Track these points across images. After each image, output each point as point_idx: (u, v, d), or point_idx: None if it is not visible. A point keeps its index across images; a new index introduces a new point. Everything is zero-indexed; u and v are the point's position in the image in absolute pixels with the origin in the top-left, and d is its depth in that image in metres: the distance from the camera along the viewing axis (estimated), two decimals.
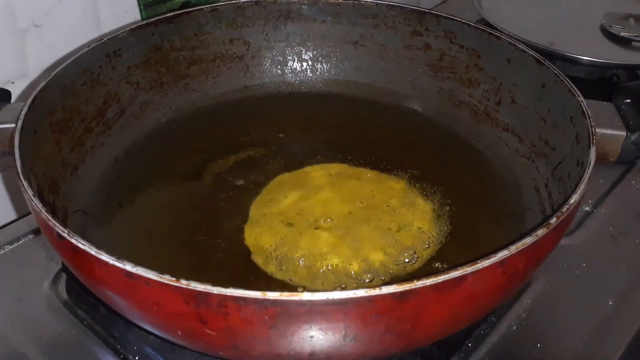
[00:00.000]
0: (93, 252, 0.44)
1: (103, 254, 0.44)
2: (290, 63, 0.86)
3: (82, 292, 0.65)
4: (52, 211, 0.58)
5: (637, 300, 0.67)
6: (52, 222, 0.46)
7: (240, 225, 0.66)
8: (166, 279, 0.42)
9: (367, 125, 0.81)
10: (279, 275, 0.61)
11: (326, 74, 0.86)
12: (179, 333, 0.46)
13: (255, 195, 0.70)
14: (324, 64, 0.86)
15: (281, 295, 0.40)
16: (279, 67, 0.86)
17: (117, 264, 0.43)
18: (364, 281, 0.60)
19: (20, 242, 0.73)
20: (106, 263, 0.43)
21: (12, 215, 0.85)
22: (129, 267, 0.43)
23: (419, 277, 0.41)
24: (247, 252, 0.64)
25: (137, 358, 0.60)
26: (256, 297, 0.41)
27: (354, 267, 0.61)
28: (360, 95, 0.85)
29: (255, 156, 0.76)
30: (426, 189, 0.71)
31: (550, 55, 1.02)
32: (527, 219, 0.65)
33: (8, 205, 0.85)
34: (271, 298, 0.41)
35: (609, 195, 0.81)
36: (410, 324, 0.44)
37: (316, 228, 0.65)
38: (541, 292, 0.67)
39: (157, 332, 0.51)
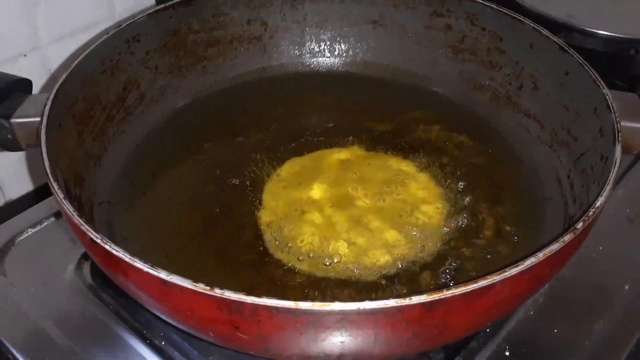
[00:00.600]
0: (127, 259, 0.45)
1: (137, 261, 0.44)
2: (308, 44, 0.85)
3: (107, 277, 0.66)
4: (79, 206, 0.59)
5: None
6: (85, 228, 0.47)
7: (254, 211, 0.67)
8: (200, 287, 0.42)
9: (385, 108, 0.81)
10: (289, 260, 0.62)
11: (344, 55, 0.86)
12: (211, 335, 0.48)
13: (268, 179, 0.71)
14: (342, 45, 0.85)
15: (313, 305, 0.41)
16: (297, 47, 0.85)
17: (152, 271, 0.44)
18: (378, 272, 0.61)
19: (43, 225, 0.74)
20: (140, 270, 0.44)
21: (29, 187, 0.87)
22: (163, 275, 0.43)
23: (448, 287, 0.42)
24: (260, 238, 0.65)
25: (163, 343, 0.61)
26: (289, 307, 0.41)
27: (370, 255, 0.62)
28: (379, 76, 0.85)
29: (267, 140, 0.76)
30: (446, 174, 0.71)
31: (568, 28, 1.01)
32: (547, 210, 0.66)
33: (25, 177, 0.86)
34: (303, 308, 0.41)
35: (625, 176, 0.80)
36: (438, 330, 0.45)
37: (327, 214, 0.66)
38: (558, 277, 0.66)
39: (188, 332, 0.52)
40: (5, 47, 0.76)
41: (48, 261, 0.70)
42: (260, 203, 0.68)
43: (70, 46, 0.83)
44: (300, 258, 0.62)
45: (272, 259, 0.63)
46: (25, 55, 0.79)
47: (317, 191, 0.69)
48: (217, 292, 0.42)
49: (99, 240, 0.46)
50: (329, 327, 0.43)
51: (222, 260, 0.62)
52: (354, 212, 0.66)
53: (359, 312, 0.42)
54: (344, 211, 0.66)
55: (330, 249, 0.63)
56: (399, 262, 0.62)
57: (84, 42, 0.84)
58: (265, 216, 0.66)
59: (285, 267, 0.62)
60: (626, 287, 0.67)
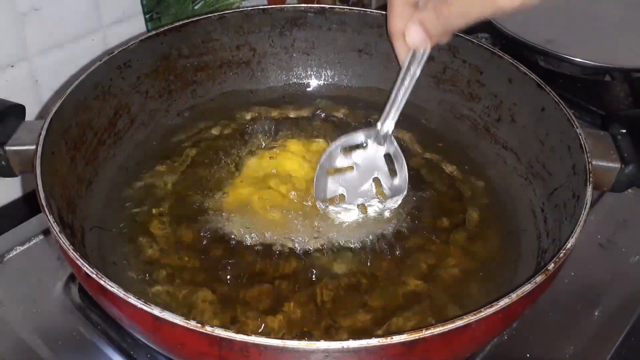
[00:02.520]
0: (122, 295, 0.47)
1: (131, 297, 0.46)
2: (295, 69, 0.87)
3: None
4: (71, 233, 0.60)
5: (623, 311, 0.71)
6: (81, 262, 0.49)
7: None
8: (192, 325, 0.45)
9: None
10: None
11: (330, 80, 0.88)
12: None
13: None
14: (328, 71, 0.88)
15: (300, 344, 0.44)
16: (284, 72, 0.87)
17: (145, 307, 0.46)
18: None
19: (32, 242, 0.75)
20: (134, 306, 0.46)
21: (18, 193, 0.88)
22: (156, 311, 0.45)
23: (427, 327, 0.45)
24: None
25: None
26: (277, 345, 0.44)
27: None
28: (363, 100, 0.87)
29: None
30: (421, 197, 0.73)
31: (545, 54, 1.04)
32: (522, 241, 0.68)
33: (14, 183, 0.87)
34: (290, 347, 0.44)
35: (597, 203, 0.83)
36: None
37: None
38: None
39: None
40: None
41: (36, 279, 0.71)
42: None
43: (58, 57, 0.84)
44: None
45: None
46: (12, 66, 0.80)
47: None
48: (208, 329, 0.44)
49: (93, 275, 0.48)
50: None
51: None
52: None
53: (343, 351, 0.44)
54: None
55: None
56: None
57: (71, 53, 0.85)
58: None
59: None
60: (596, 313, 0.70)
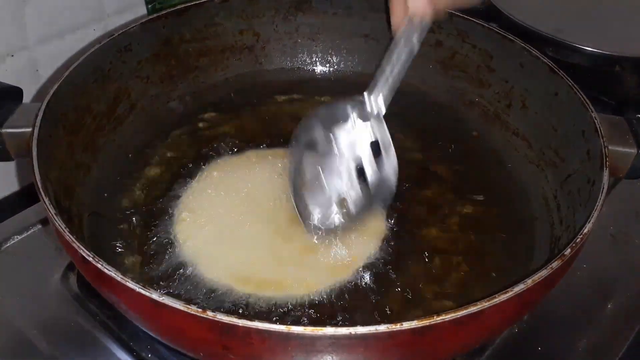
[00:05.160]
0: (119, 279, 0.45)
1: (129, 281, 0.44)
2: (300, 55, 0.85)
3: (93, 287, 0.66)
4: (69, 219, 0.58)
5: (635, 302, 0.69)
6: (77, 245, 0.47)
7: None
8: (193, 310, 0.42)
9: None
10: None
11: (335, 66, 0.86)
12: (201, 354, 0.48)
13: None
14: (333, 57, 0.86)
15: (305, 330, 0.42)
16: (289, 58, 0.85)
17: (144, 292, 0.44)
18: None
19: (29, 232, 0.73)
20: (132, 290, 0.44)
21: (15, 187, 0.87)
22: (155, 295, 0.43)
23: (438, 313, 0.43)
24: None
25: (149, 355, 0.61)
26: (281, 331, 0.42)
27: None
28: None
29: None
30: (433, 186, 0.71)
31: (555, 43, 1.02)
32: (535, 229, 0.66)
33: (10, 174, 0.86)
34: (295, 332, 0.42)
35: (608, 195, 0.81)
36: (427, 353, 0.46)
37: None
38: None
39: (178, 349, 0.52)
40: None
41: (34, 268, 0.69)
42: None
43: (59, 47, 0.83)
44: None
45: None
46: (12, 56, 0.79)
47: None
48: (210, 314, 0.42)
49: (90, 259, 0.46)
50: (320, 351, 0.43)
51: None
52: None
53: (350, 337, 0.42)
54: None
55: None
56: None
57: (71, 43, 0.83)
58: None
59: None
60: (609, 306, 0.68)
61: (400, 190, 0.64)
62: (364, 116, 0.61)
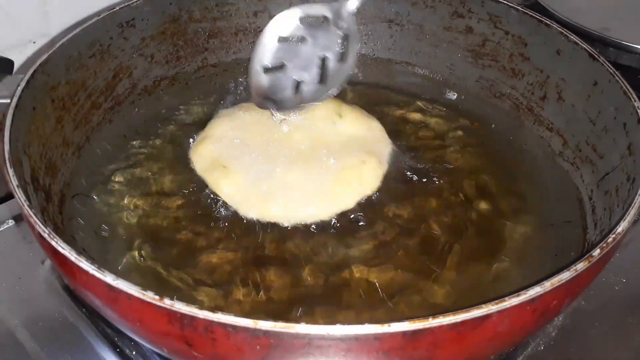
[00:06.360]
0: (73, 258, 0.39)
1: (83, 261, 0.39)
2: None
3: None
4: (46, 197, 0.54)
5: None
6: (34, 219, 0.42)
7: None
8: (149, 297, 0.37)
9: (395, 112, 0.75)
10: None
11: (356, 53, 0.80)
12: (165, 350, 0.42)
13: None
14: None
15: (275, 326, 0.36)
16: None
17: (98, 274, 0.38)
18: None
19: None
20: (86, 272, 0.39)
21: None
22: (109, 279, 0.38)
23: (434, 315, 0.36)
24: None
25: (133, 353, 0.57)
26: (247, 325, 0.36)
27: None
28: (392, 76, 0.79)
29: None
30: (454, 187, 0.65)
31: (603, 42, 0.94)
32: (565, 234, 0.59)
33: None
34: (263, 328, 0.36)
35: None
36: None
37: None
38: (575, 309, 0.61)
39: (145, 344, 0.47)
40: (15, 32, 0.76)
41: (24, 255, 0.65)
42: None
43: None
44: None
45: None
46: (34, 42, 0.79)
47: None
48: (167, 302, 0.37)
49: (45, 235, 0.41)
50: (294, 353, 0.37)
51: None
52: None
53: (327, 338, 0.36)
54: None
55: None
56: None
57: None
58: None
59: None
60: None
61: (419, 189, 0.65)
62: (339, 19, 0.64)
